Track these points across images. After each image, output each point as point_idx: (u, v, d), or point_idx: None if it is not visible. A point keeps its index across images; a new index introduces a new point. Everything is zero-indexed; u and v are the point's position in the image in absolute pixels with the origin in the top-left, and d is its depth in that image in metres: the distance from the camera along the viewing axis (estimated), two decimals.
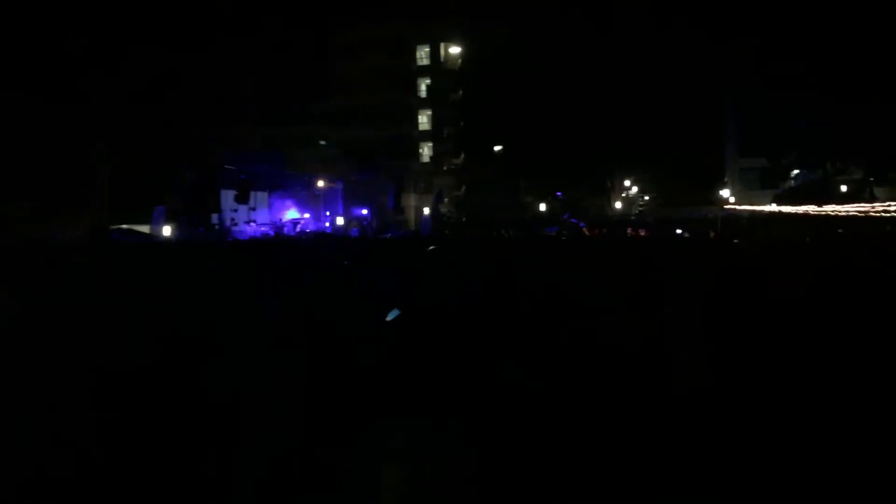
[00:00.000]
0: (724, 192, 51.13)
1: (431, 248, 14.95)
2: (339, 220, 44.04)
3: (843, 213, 41.14)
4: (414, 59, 53.73)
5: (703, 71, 51.36)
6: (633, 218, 47.88)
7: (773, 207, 45.38)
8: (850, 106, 44.39)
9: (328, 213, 43.99)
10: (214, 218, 36.10)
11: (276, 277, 11.10)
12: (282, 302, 8.50)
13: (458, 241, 25.84)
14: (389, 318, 8.50)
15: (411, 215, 49.17)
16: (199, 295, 9.01)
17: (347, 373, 6.01)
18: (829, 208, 42.22)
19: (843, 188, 47.62)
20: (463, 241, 26.63)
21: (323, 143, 47.46)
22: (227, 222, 36.07)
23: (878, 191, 46.86)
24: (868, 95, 43.51)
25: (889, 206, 41.58)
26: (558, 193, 52.60)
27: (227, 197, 37.71)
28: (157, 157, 32.77)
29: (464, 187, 52.22)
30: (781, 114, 49.53)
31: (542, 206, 52.53)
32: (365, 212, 46.02)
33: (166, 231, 29.17)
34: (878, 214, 40.06)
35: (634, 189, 58.46)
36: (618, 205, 55.25)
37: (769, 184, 51.74)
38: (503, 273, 11.59)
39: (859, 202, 44.20)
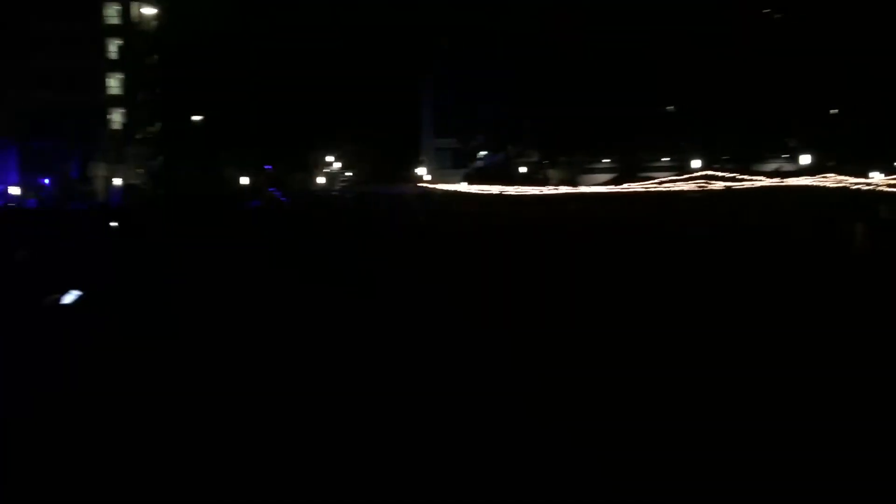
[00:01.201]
0: (421, 170, 54.10)
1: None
2: (14, 190, 39.89)
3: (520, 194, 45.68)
4: (102, 16, 49.65)
5: (403, 54, 53.67)
6: (334, 193, 48.88)
7: (463, 186, 48.93)
8: (528, 98, 48.96)
9: None
10: None
11: None
12: None
13: None
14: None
15: (100, 185, 45.81)
16: None
17: None
18: (512, 189, 46.58)
19: (522, 169, 52.71)
20: None
21: None
22: None
23: (550, 172, 52.54)
24: (541, 91, 48.28)
25: (559, 187, 46.90)
26: (267, 167, 52.00)
27: None
28: None
29: (160, 158, 49.64)
30: (472, 100, 53.42)
31: (245, 180, 51.71)
32: (46, 181, 42.13)
33: None
34: (552, 195, 45.08)
35: (337, 164, 59.59)
36: (321, 180, 56.02)
37: (460, 163, 55.54)
38: None
39: (534, 182, 49.27)
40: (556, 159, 52.54)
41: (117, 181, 45.91)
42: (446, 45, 56.39)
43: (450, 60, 55.65)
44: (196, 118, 48.71)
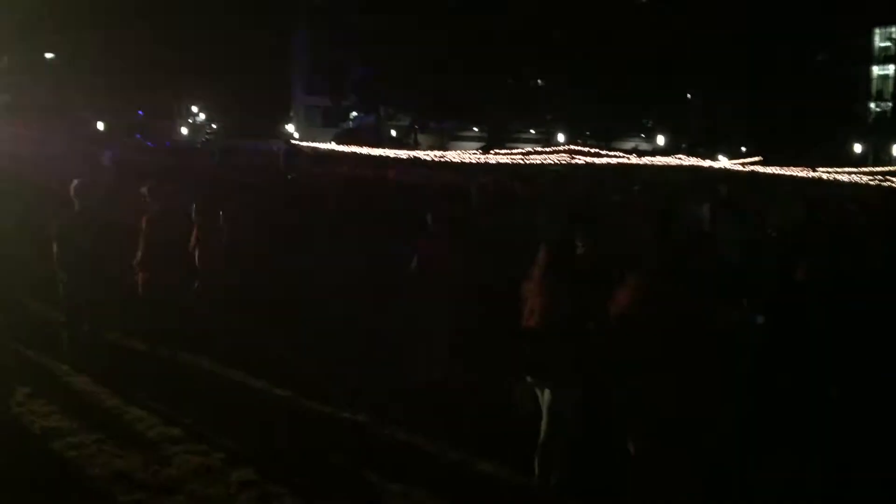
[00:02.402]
0: (290, 127, 53.12)
1: None
2: None
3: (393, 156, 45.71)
4: None
5: (276, 7, 52.11)
6: (199, 146, 47.16)
7: (333, 145, 48.41)
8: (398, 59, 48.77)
9: None
10: None
11: None
12: None
13: None
14: None
15: None
16: None
17: None
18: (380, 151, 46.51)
19: (393, 132, 52.85)
20: None
21: None
22: None
23: (421, 137, 52.99)
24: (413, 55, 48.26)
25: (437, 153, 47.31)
26: (139, 112, 49.48)
27: None
28: None
29: (5, 95, 46.10)
30: (344, 59, 52.70)
31: (100, 125, 49.05)
32: None
33: None
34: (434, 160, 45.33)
35: (202, 116, 57.52)
36: (184, 130, 53.92)
37: (331, 122, 54.95)
38: None
39: (406, 146, 49.50)
40: (427, 125, 53.01)
41: None
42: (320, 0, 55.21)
43: (323, 17, 54.56)
44: (48, 55, 45.56)
